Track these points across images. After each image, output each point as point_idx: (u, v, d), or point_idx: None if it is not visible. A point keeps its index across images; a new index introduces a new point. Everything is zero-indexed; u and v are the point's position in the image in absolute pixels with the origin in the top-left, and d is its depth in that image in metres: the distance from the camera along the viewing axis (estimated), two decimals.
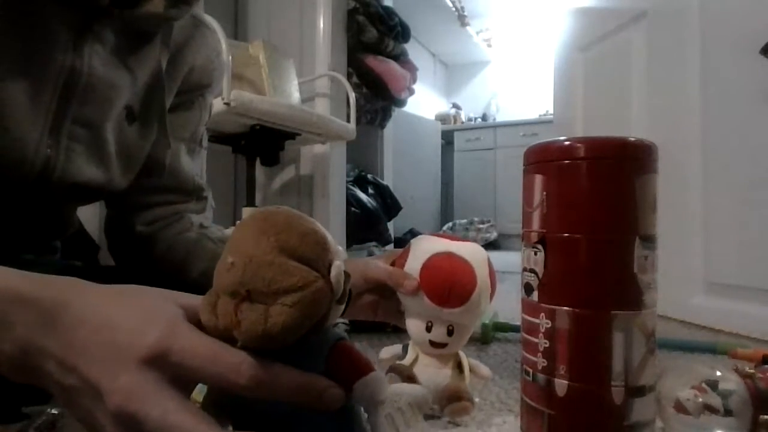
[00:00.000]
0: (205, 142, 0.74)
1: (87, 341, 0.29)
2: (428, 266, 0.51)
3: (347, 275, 0.31)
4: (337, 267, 0.30)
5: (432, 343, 0.52)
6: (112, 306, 0.31)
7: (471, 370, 0.54)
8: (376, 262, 0.57)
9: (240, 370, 0.28)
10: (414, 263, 0.52)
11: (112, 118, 0.56)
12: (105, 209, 0.72)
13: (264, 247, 0.29)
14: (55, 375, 0.29)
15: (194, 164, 0.72)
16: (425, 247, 0.53)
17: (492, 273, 0.53)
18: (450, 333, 0.52)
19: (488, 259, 0.53)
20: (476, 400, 0.59)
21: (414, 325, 0.53)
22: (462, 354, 0.54)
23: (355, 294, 0.59)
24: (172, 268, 0.67)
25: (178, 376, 0.28)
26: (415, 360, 0.53)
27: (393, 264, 0.56)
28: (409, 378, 0.52)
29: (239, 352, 0.29)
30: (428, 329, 0.52)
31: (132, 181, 0.63)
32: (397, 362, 0.54)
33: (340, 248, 0.31)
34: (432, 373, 0.52)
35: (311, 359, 0.30)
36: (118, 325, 0.29)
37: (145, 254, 0.68)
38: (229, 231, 0.71)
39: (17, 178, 0.51)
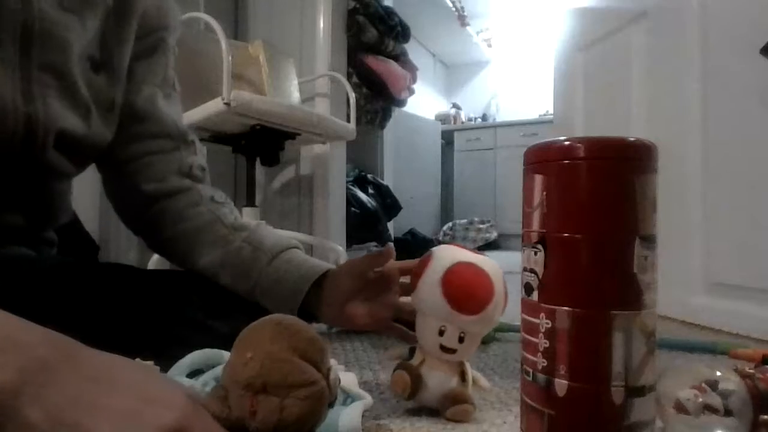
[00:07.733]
0: (178, 86, 0.75)
1: (98, 401, 0.27)
2: (453, 271, 0.53)
3: (339, 380, 0.37)
4: (335, 371, 0.36)
5: (442, 348, 0.53)
6: (127, 371, 0.30)
7: (473, 380, 0.56)
8: (352, 260, 0.61)
9: None
10: (438, 267, 0.54)
11: (74, 63, 0.57)
12: (104, 209, 0.72)
13: (280, 346, 0.34)
14: (40, 424, 0.26)
15: (173, 109, 0.72)
16: (451, 254, 0.55)
17: (506, 289, 0.55)
18: (461, 340, 0.53)
19: (503, 276, 0.56)
20: (477, 401, 0.60)
21: (427, 327, 0.54)
22: (467, 364, 0.56)
23: (345, 299, 0.61)
24: (182, 249, 0.68)
25: None
26: (422, 363, 0.55)
27: (414, 272, 0.57)
28: (417, 377, 0.53)
29: None
30: (441, 333, 0.53)
31: (116, 135, 0.64)
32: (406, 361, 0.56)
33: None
34: (438, 376, 0.54)
35: None
36: (137, 392, 0.28)
37: (152, 220, 0.69)
38: (244, 219, 0.70)
39: (4, 138, 0.51)
